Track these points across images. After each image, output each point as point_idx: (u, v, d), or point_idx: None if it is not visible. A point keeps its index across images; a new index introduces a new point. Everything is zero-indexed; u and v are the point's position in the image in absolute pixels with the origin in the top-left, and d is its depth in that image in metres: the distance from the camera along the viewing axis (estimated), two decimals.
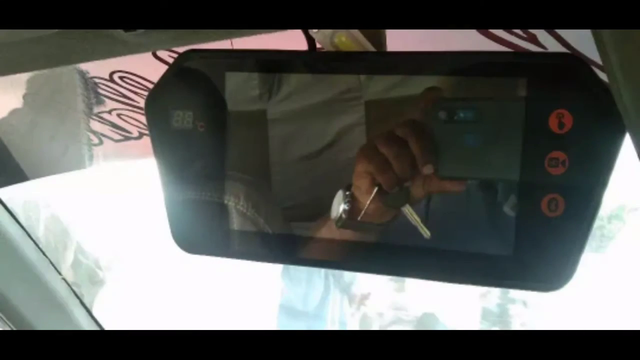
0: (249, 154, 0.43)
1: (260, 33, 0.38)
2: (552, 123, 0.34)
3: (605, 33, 0.24)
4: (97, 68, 0.81)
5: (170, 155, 0.43)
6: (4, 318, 0.88)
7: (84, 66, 0.81)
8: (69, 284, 0.95)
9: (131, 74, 0.79)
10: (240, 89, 0.41)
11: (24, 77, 0.83)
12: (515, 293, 2.18)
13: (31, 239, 0.89)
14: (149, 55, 0.68)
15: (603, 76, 0.29)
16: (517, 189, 0.35)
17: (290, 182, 0.42)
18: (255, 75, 0.41)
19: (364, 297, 2.38)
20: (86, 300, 0.99)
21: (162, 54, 0.68)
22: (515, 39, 0.57)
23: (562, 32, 0.55)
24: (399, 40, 0.43)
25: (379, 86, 0.39)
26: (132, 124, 0.90)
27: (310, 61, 0.40)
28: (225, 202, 0.42)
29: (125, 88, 0.82)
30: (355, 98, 0.39)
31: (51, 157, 0.95)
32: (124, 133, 0.92)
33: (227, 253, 0.44)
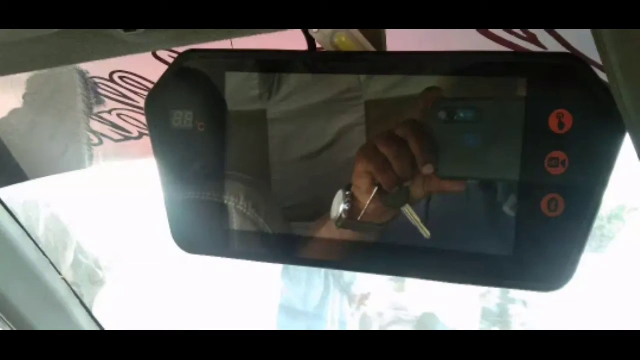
0: (249, 154, 0.43)
1: (260, 33, 0.38)
2: (552, 123, 0.34)
3: (605, 33, 0.24)
4: (97, 68, 0.81)
5: (170, 155, 0.43)
6: (4, 318, 0.87)
7: (84, 66, 0.81)
8: (69, 284, 0.95)
9: (131, 74, 0.79)
10: (240, 89, 0.41)
11: (24, 77, 0.83)
12: (515, 293, 2.18)
13: (31, 239, 0.89)
14: (149, 55, 0.68)
15: (603, 76, 0.29)
16: (517, 189, 0.35)
17: (290, 182, 0.42)
18: (255, 75, 0.41)
19: (364, 297, 2.38)
20: (86, 300, 0.99)
21: (162, 54, 0.68)
22: (515, 39, 0.57)
23: (562, 32, 0.55)
24: (399, 40, 0.43)
25: (379, 86, 0.39)
26: (132, 124, 0.90)
27: (310, 61, 0.40)
28: (225, 202, 0.42)
29: (125, 88, 0.82)
30: (355, 98, 0.39)
31: (51, 157, 0.95)
32: (124, 133, 0.92)
33: (227, 253, 0.44)
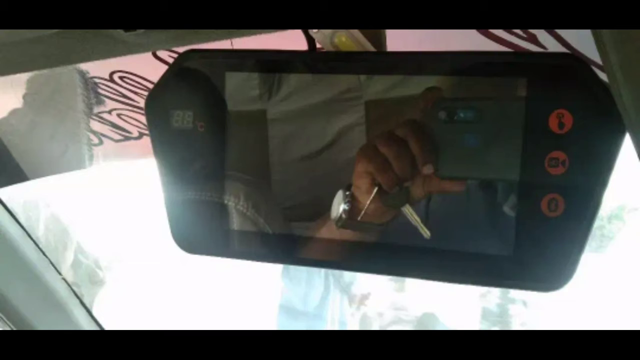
0: (249, 154, 0.43)
1: (260, 33, 0.38)
2: (552, 123, 0.34)
3: (605, 33, 0.24)
4: (97, 68, 0.81)
5: (170, 155, 0.43)
6: (4, 318, 0.88)
7: (84, 66, 0.81)
8: (69, 284, 0.95)
9: (131, 74, 0.79)
10: (240, 89, 0.41)
11: (24, 77, 0.83)
12: (515, 293, 2.18)
13: (31, 239, 0.89)
14: (149, 55, 0.68)
15: (603, 76, 0.29)
16: (517, 189, 0.35)
17: (290, 182, 0.42)
18: (255, 75, 0.41)
19: (364, 297, 2.38)
20: (86, 300, 0.99)
21: (162, 54, 0.68)
22: (515, 39, 0.57)
23: (562, 32, 0.55)
24: (399, 40, 0.43)
25: (379, 86, 0.39)
26: (132, 124, 0.90)
27: (310, 61, 0.40)
28: (225, 202, 0.42)
29: (125, 88, 0.82)
30: (355, 98, 0.39)
31: (51, 157, 0.95)
32: (124, 133, 0.92)
33: (227, 253, 0.44)
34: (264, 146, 0.42)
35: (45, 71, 0.79)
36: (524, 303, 2.22)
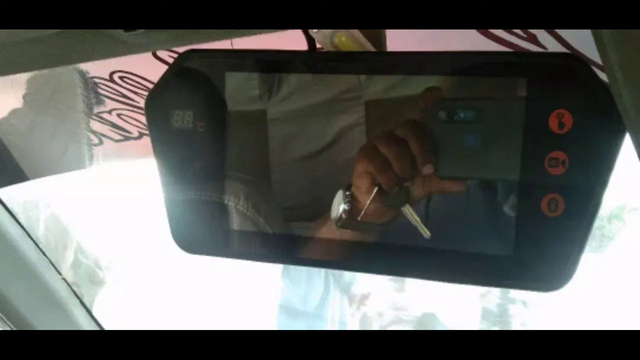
0: (249, 154, 0.43)
1: (260, 33, 0.38)
2: (552, 123, 0.34)
3: (605, 33, 0.24)
4: (97, 68, 0.81)
5: (170, 155, 0.43)
6: (4, 318, 0.88)
7: (84, 66, 0.81)
8: (69, 284, 0.95)
9: (131, 74, 0.79)
10: (240, 89, 0.41)
11: (24, 77, 0.83)
12: (515, 293, 2.18)
13: (31, 239, 0.89)
14: (149, 55, 0.68)
15: (603, 76, 0.29)
16: (517, 189, 0.35)
17: (290, 182, 0.42)
18: (255, 75, 0.41)
19: (364, 297, 2.38)
20: (86, 300, 0.99)
21: (162, 54, 0.68)
22: (515, 39, 0.57)
23: (562, 32, 0.55)
24: (399, 40, 0.43)
25: (379, 86, 0.39)
26: (132, 124, 0.90)
27: (310, 61, 0.40)
28: (225, 202, 0.42)
29: (125, 88, 0.82)
30: (355, 98, 0.39)
31: (51, 157, 0.95)
32: (124, 133, 0.92)
33: (227, 253, 0.44)
34: (264, 146, 0.42)
35: (45, 71, 0.79)
36: (524, 303, 2.22)
